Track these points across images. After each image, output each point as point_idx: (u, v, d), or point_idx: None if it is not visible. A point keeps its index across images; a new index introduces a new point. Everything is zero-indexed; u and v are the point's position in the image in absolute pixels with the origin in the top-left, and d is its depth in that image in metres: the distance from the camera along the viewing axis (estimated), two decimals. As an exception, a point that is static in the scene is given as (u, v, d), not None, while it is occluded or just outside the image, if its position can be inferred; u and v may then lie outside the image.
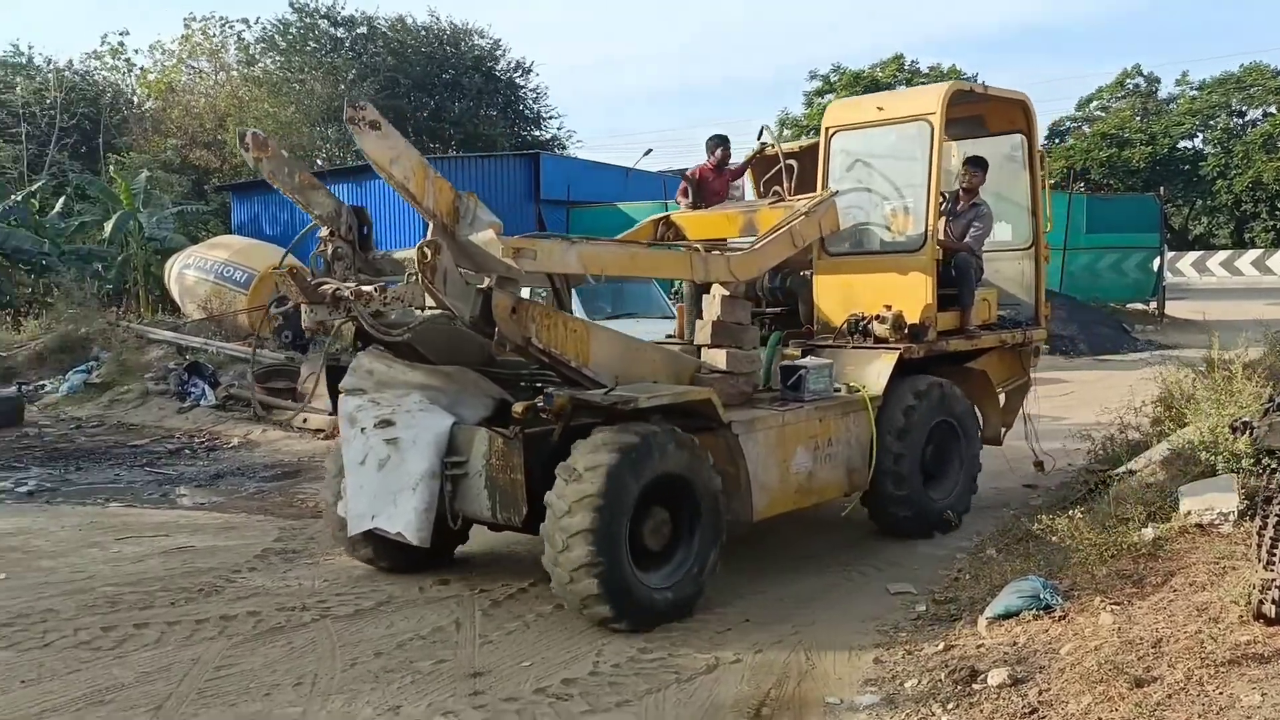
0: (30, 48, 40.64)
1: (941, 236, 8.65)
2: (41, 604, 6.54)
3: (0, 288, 21.93)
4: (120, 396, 15.16)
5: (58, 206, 25.80)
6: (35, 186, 25.22)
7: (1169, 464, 7.20)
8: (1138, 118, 47.31)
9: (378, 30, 36.71)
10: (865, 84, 43.08)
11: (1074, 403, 13.29)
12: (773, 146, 9.27)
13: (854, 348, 7.80)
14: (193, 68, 37.41)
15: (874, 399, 7.39)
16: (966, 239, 8.49)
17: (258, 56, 37.29)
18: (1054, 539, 6.15)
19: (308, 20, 36.30)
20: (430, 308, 6.02)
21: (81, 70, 36.29)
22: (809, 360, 7.30)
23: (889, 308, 7.78)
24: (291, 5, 36.07)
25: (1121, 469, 7.85)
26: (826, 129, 8.45)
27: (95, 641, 5.89)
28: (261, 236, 23.30)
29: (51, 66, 35.13)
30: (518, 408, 6.00)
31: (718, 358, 6.90)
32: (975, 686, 4.78)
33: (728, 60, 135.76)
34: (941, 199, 8.58)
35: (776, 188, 8.55)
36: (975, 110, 9.04)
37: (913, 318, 7.73)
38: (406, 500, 6.37)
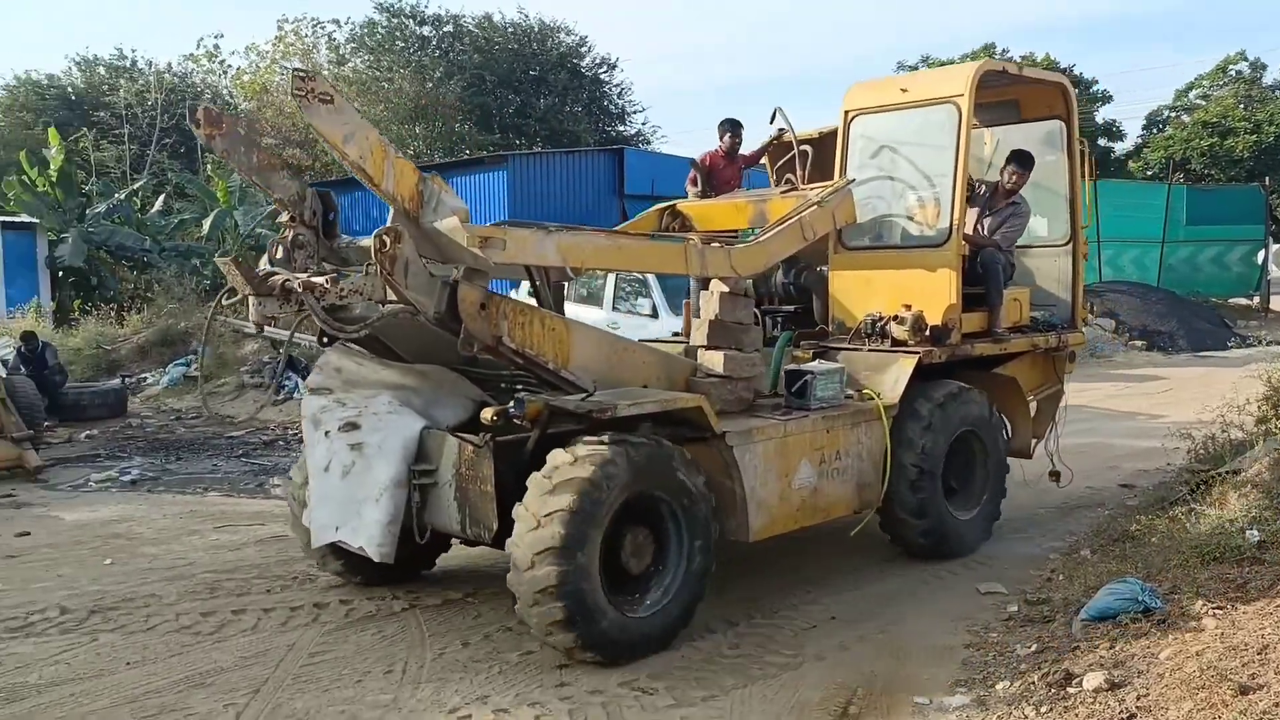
0: (133, 51, 41.29)
1: (970, 230, 8.01)
2: (145, 589, 6.84)
3: (105, 283, 22.36)
4: (217, 389, 15.77)
5: (158, 204, 26.41)
6: (137, 185, 25.80)
7: (1276, 465, 6.79)
8: (1241, 105, 45.37)
9: (464, 28, 37.02)
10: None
11: (1172, 400, 13.14)
12: (788, 132, 8.61)
13: (870, 350, 7.16)
14: (285, 69, 37.50)
15: (889, 407, 6.74)
16: (997, 235, 7.81)
17: (347, 56, 37.68)
18: (1153, 540, 6.00)
19: (394, 20, 36.66)
20: (392, 301, 5.46)
21: (180, 72, 36.77)
22: (817, 364, 6.66)
23: (908, 307, 7.13)
24: (378, 6, 36.34)
25: (1224, 469, 7.35)
26: (846, 113, 7.80)
27: (195, 626, 6.11)
28: (350, 232, 23.18)
29: (152, 69, 35.59)
30: (487, 413, 5.43)
31: (714, 360, 6.29)
32: (1070, 690, 4.57)
33: (807, 51, 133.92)
34: (972, 189, 7.93)
35: (789, 175, 7.89)
36: (1010, 94, 8.35)
37: (934, 318, 7.08)
38: (370, 512, 5.82)
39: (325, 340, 6.32)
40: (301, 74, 4.92)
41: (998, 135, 8.66)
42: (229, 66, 38.47)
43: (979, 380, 7.62)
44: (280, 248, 5.63)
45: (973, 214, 8.04)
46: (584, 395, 5.45)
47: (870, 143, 7.70)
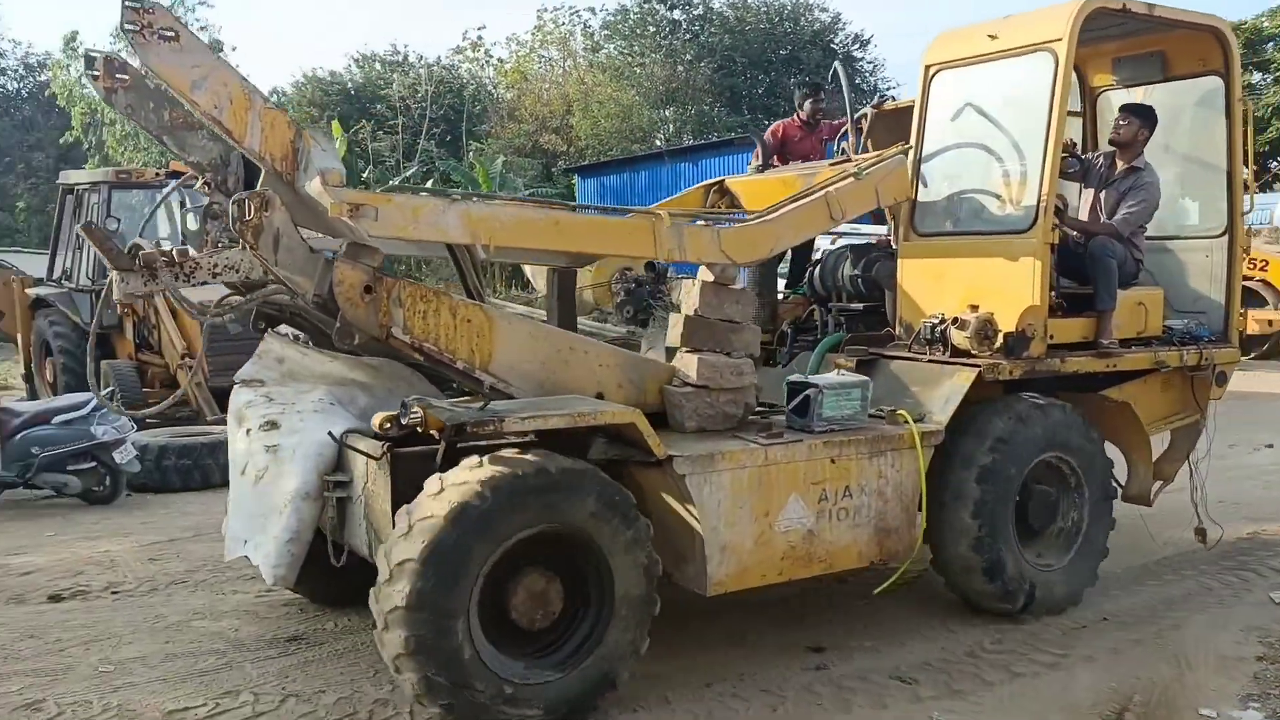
0: (405, 47, 43.98)
1: (1086, 213, 6.41)
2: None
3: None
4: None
5: None
6: (408, 173, 26.93)
7: None
8: None
9: (715, 11, 37.50)
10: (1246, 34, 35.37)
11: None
12: (889, 100, 7.18)
13: (930, 361, 5.74)
14: (543, 57, 38.98)
15: (930, 434, 5.32)
16: (1117, 216, 6.17)
17: (601, 43, 38.59)
18: None
19: (646, 6, 37.39)
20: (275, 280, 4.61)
21: (448, 65, 38.64)
22: (830, 376, 5.34)
23: (974, 309, 5.66)
24: None
25: None
26: (927, 68, 6.33)
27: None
28: (602, 213, 24.27)
29: (422, 63, 37.39)
30: (378, 419, 4.49)
31: (688, 365, 5.08)
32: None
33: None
34: (1083, 163, 6.33)
35: (844, 144, 6.53)
36: (1152, 43, 6.63)
37: (1008, 323, 5.58)
38: (273, 525, 5.01)
39: (262, 326, 5.56)
40: (135, 5, 4.10)
41: (1138, 97, 6.92)
42: (492, 57, 39.66)
43: (1083, 405, 6.04)
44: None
45: (1089, 195, 6.46)
46: (482, 404, 4.41)
47: (955, 102, 6.22)
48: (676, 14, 37.13)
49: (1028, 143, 5.79)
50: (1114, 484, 6.05)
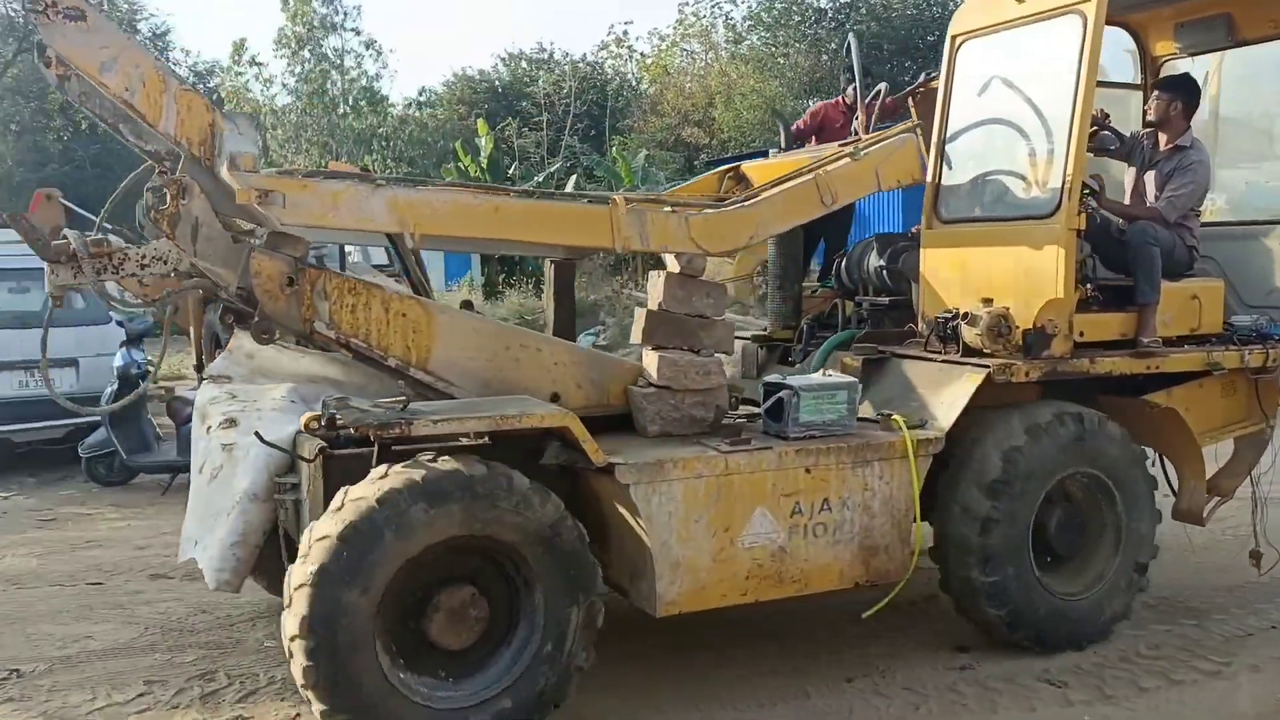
0: (551, 44, 44.83)
1: (1128, 195, 5.75)
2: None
3: (526, 259, 23.38)
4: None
5: (569, 186, 27.59)
6: (553, 169, 27.25)
7: None
8: None
9: None
10: None
11: None
12: (936, 76, 6.60)
13: (943, 360, 5.19)
14: (686, 50, 39.14)
15: (927, 442, 4.78)
16: (1161, 200, 5.50)
17: (744, 34, 38.26)
18: None
19: None
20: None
21: (593, 61, 39.29)
22: (807, 378, 4.84)
23: (988, 302, 5.09)
24: None
25: None
26: (953, 38, 5.75)
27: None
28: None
29: (567, 60, 37.99)
30: (306, 418, 4.22)
31: (650, 364, 4.67)
32: None
33: None
34: (1114, 135, 5.67)
35: (839, 123, 5.98)
36: (1215, 5, 5.89)
37: (1026, 319, 4.99)
38: (220, 527, 4.81)
39: (230, 320, 5.37)
40: (37, -17, 3.92)
41: (1207, 67, 6.17)
42: (635, 52, 39.91)
43: (1125, 411, 5.39)
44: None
45: (1129, 173, 5.78)
46: (402, 404, 4.10)
47: (979, 76, 5.62)
48: (823, 2, 36.29)
49: (1055, 117, 5.17)
50: (1156, 508, 5.37)
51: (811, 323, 6.22)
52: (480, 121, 25.45)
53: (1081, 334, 5.19)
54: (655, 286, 4.71)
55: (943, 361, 5.18)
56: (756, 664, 5.03)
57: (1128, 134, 5.80)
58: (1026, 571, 5.02)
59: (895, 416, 4.87)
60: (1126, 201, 5.75)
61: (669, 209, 4.68)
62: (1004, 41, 5.50)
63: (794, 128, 7.15)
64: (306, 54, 25.12)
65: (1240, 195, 6.28)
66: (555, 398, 4.64)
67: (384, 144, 25.05)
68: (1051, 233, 5.05)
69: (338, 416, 3.94)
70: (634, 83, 38.72)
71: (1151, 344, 5.23)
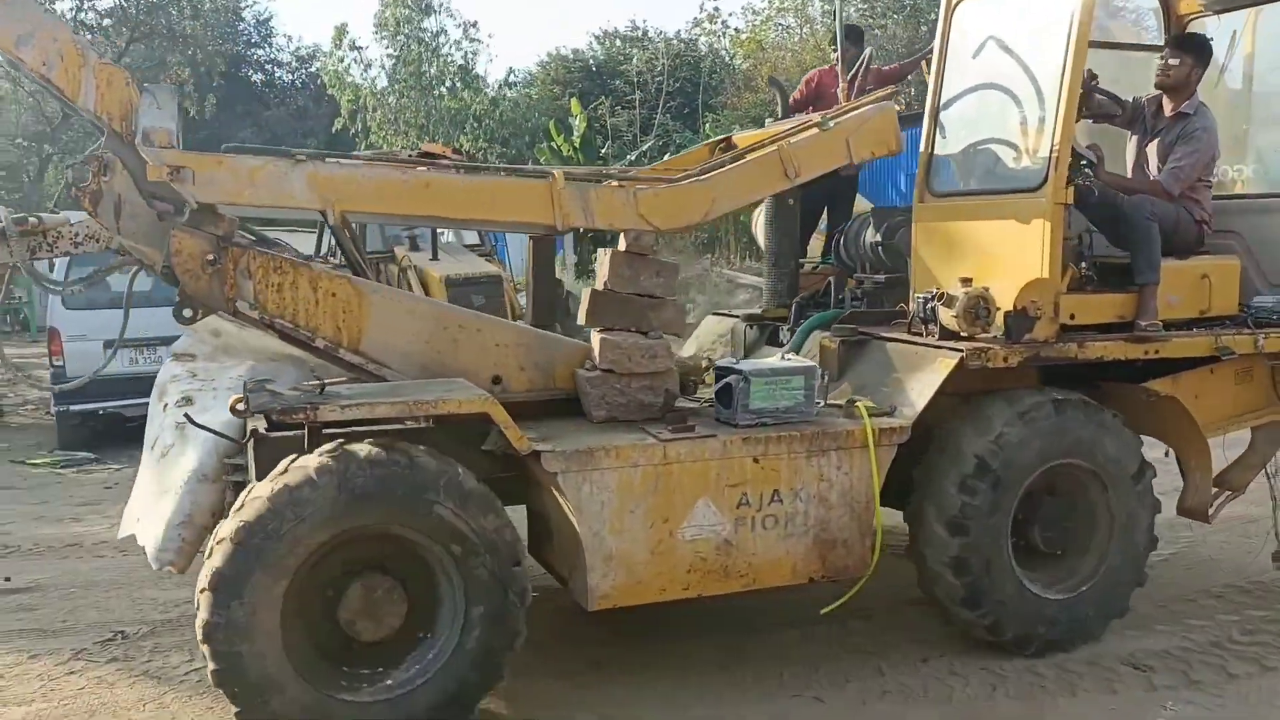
0: (644, 21, 44.55)
1: (1130, 166, 5.36)
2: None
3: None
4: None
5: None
6: (645, 147, 27.19)
7: None
8: None
9: None
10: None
11: None
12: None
13: (922, 344, 4.89)
14: (780, 25, 38.28)
15: (892, 431, 4.50)
16: (1164, 171, 5.09)
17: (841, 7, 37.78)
18: None
19: None
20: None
21: (686, 38, 38.97)
22: (762, 362, 4.59)
23: (967, 282, 4.76)
24: None
25: None
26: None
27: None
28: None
29: (661, 37, 37.87)
30: (232, 400, 4.12)
31: (594, 345, 4.46)
32: None
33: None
34: (1112, 100, 5.27)
35: (835, 90, 5.65)
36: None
37: (1006, 299, 4.66)
38: (165, 506, 4.76)
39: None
40: (-52, -43, 3.85)
41: (1235, 25, 5.70)
42: (729, 28, 39.00)
43: (1124, 399, 5.04)
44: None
45: (1131, 141, 5.39)
46: (320, 387, 3.96)
47: (975, 38, 5.26)
48: (921, -30, 35.45)
49: (1046, 82, 4.80)
50: (1155, 497, 4.99)
51: (804, 301, 5.93)
52: (573, 100, 25.35)
53: (1072, 316, 4.85)
54: (601, 265, 4.50)
55: (921, 345, 4.88)
56: (842, 641, 5.00)
57: (1129, 99, 5.37)
58: (1006, 572, 4.70)
59: (859, 403, 4.60)
60: (1128, 173, 5.34)
61: (615, 184, 4.45)
62: (1000, 1, 5.15)
63: (792, 97, 6.83)
64: (404, 36, 25.22)
65: (1274, 164, 5.79)
66: (497, 380, 4.47)
67: (476, 124, 25.07)
68: (1038, 207, 4.71)
69: (250, 401, 3.83)
70: (728, 59, 37.90)
71: (1150, 327, 4.84)
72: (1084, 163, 4.96)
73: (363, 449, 3.82)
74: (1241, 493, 5.44)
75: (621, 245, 4.46)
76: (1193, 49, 5.11)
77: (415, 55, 25.12)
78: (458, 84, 26.25)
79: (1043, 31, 4.83)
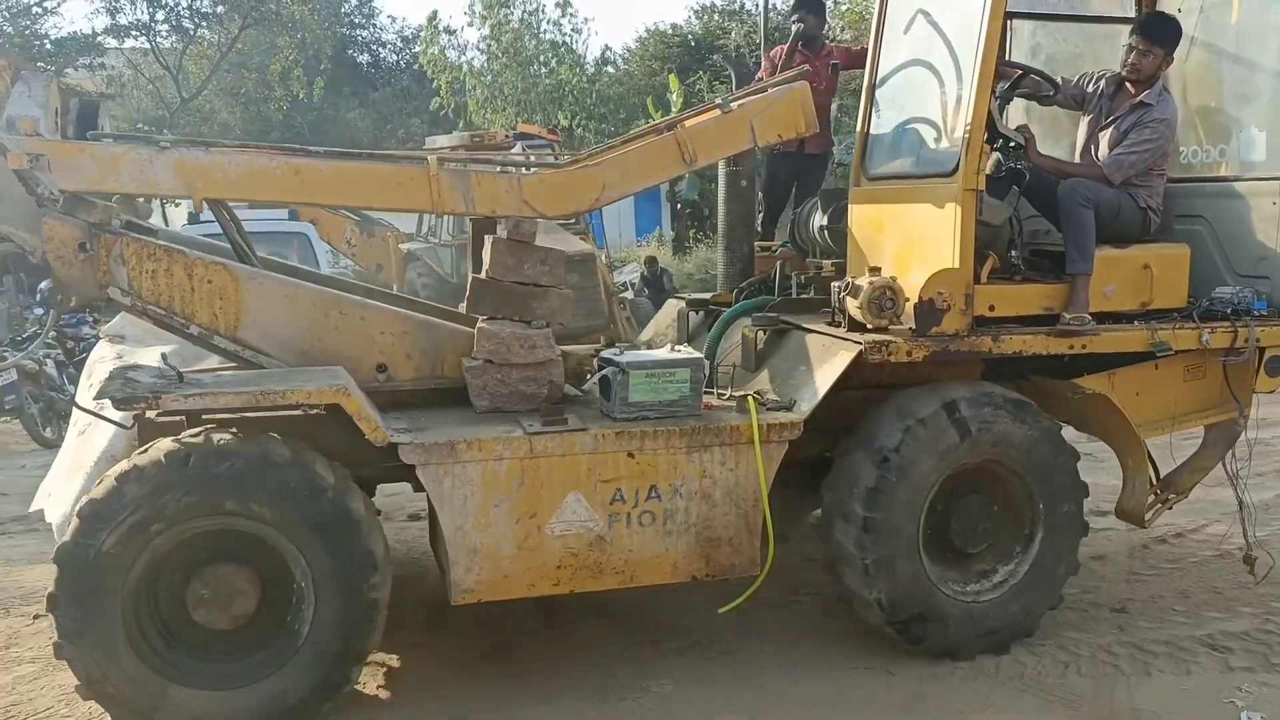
0: None
1: (1079, 148, 5.07)
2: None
3: (715, 214, 24.67)
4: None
5: None
6: None
7: None
8: None
9: None
10: None
11: None
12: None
13: (835, 335, 4.69)
14: None
15: (781, 425, 4.33)
16: (1108, 157, 4.78)
17: None
18: None
19: None
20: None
21: (785, 11, 38.62)
22: (644, 353, 4.45)
23: (875, 271, 4.55)
24: None
25: None
26: (887, -32, 5.14)
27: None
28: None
29: (759, 10, 37.81)
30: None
31: (474, 336, 4.37)
32: None
33: None
34: (1043, 81, 4.97)
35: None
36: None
37: (913, 290, 4.44)
38: (74, 483, 4.85)
39: None
40: None
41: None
42: (830, 1, 38.85)
43: (1053, 395, 4.78)
44: None
45: (1082, 122, 5.07)
46: (176, 375, 3.96)
47: (905, 10, 5.01)
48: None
49: (964, 59, 4.53)
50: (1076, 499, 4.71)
51: (747, 287, 5.75)
52: (671, 76, 25.21)
53: (992, 308, 4.59)
54: (485, 252, 4.40)
55: (832, 337, 4.68)
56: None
57: (1070, 77, 5.06)
58: (918, 573, 4.50)
59: (751, 397, 4.44)
60: (1077, 156, 5.03)
61: (498, 169, 4.35)
62: (930, -29, 4.88)
63: (757, 75, 6.59)
64: (502, 15, 25.34)
65: (1248, 144, 5.40)
66: (382, 369, 4.42)
67: (575, 101, 25.11)
68: (949, 193, 4.46)
69: (104, 388, 3.85)
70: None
71: (1075, 320, 4.56)
72: (1011, 145, 4.70)
73: (217, 436, 3.81)
74: (1184, 496, 5.11)
75: (503, 232, 4.35)
76: (1163, 38, 4.74)
77: (512, 33, 25.20)
78: (554, 62, 26.28)
79: (962, 5, 4.56)
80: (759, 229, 6.74)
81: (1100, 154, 4.89)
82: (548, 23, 24.24)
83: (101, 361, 5.22)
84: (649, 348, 5.14)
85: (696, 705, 4.23)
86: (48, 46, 20.04)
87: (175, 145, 4.07)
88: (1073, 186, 4.61)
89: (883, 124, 5.10)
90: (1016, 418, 4.52)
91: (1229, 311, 4.81)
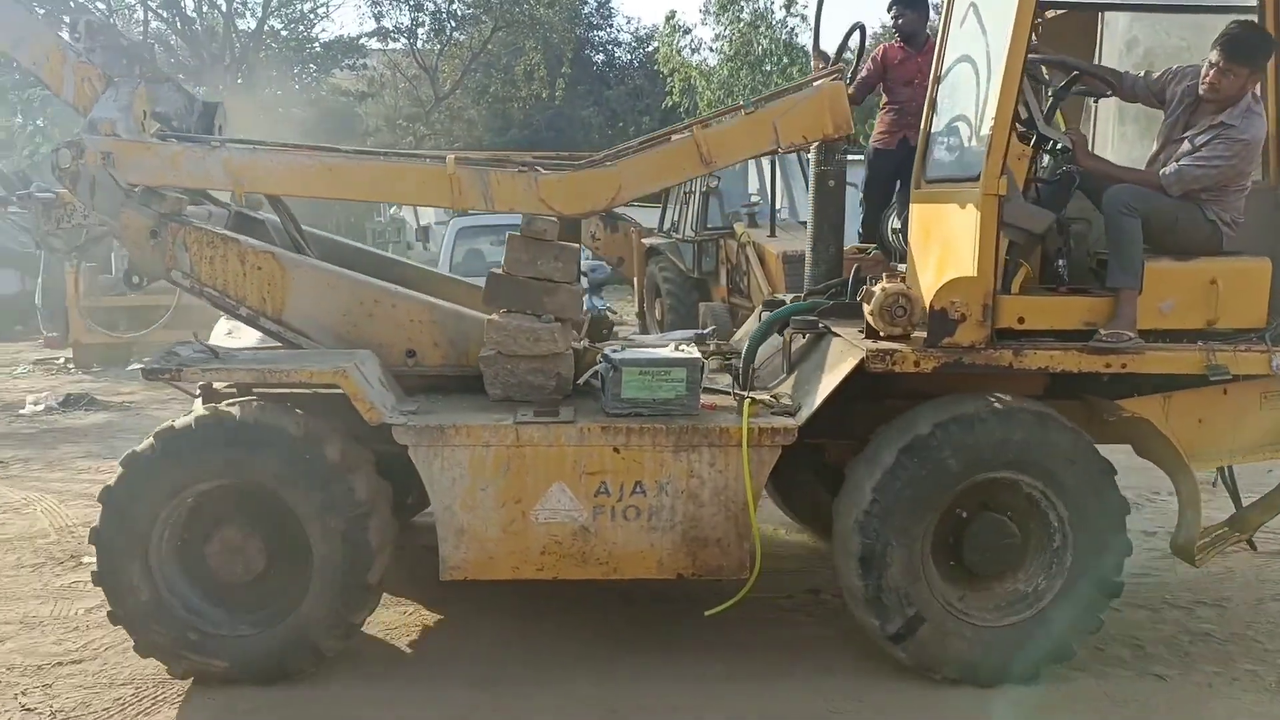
0: None
1: (1154, 155, 4.70)
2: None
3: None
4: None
5: None
6: None
7: None
8: None
9: None
10: None
11: None
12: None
13: (854, 342, 4.57)
14: None
15: (772, 430, 4.29)
16: (1170, 166, 4.38)
17: None
18: None
19: None
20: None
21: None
22: (642, 352, 4.50)
23: (891, 277, 4.43)
24: None
25: None
26: (956, -41, 4.92)
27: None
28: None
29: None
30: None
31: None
32: None
33: None
34: (1093, 75, 4.60)
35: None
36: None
37: (930, 295, 4.29)
38: None
39: None
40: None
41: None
42: None
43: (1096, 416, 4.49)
44: None
45: (1164, 129, 4.66)
46: (210, 352, 4.43)
47: (963, 2, 4.78)
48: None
49: (996, 55, 4.30)
50: (1115, 530, 4.36)
51: (823, 289, 5.66)
52: None
53: (1021, 320, 4.34)
54: (507, 249, 4.62)
55: (852, 344, 4.57)
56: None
57: (1134, 70, 4.63)
58: (920, 587, 4.34)
59: (753, 400, 4.42)
60: (1148, 161, 4.62)
61: (517, 168, 4.54)
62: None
63: (859, 75, 6.38)
64: (733, 13, 25.74)
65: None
66: (411, 354, 4.73)
67: None
68: (973, 198, 4.25)
69: (146, 361, 4.37)
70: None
71: (1111, 336, 4.22)
72: (1059, 146, 4.41)
73: (241, 407, 4.25)
74: (1248, 536, 4.61)
75: (520, 230, 4.55)
76: (1247, 57, 4.25)
77: (741, 32, 25.40)
78: (786, 59, 26.24)
79: (1001, -2, 4.32)
80: (860, 229, 6.61)
81: (1173, 162, 4.47)
82: (775, 21, 24.06)
83: (216, 337, 5.85)
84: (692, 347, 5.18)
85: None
86: (317, 49, 22.03)
87: (224, 144, 4.54)
88: (1117, 193, 4.26)
89: (939, 124, 4.90)
90: (1035, 434, 4.25)
91: None
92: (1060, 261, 4.50)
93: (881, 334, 4.37)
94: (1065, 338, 4.34)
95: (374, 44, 23.87)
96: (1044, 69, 4.58)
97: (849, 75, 5.51)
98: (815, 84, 4.61)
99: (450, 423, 4.27)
